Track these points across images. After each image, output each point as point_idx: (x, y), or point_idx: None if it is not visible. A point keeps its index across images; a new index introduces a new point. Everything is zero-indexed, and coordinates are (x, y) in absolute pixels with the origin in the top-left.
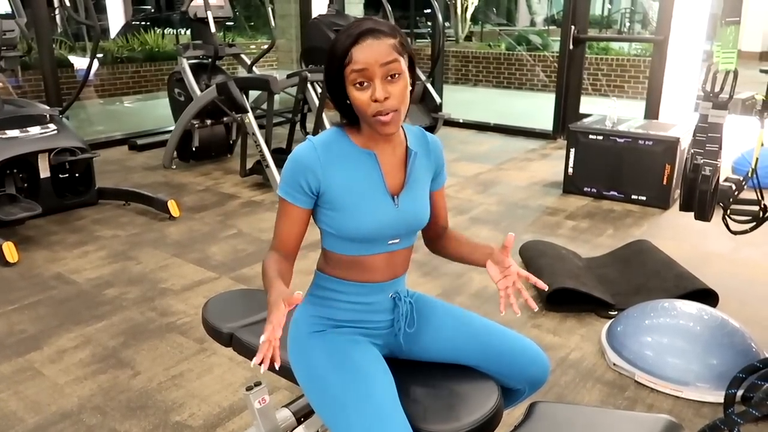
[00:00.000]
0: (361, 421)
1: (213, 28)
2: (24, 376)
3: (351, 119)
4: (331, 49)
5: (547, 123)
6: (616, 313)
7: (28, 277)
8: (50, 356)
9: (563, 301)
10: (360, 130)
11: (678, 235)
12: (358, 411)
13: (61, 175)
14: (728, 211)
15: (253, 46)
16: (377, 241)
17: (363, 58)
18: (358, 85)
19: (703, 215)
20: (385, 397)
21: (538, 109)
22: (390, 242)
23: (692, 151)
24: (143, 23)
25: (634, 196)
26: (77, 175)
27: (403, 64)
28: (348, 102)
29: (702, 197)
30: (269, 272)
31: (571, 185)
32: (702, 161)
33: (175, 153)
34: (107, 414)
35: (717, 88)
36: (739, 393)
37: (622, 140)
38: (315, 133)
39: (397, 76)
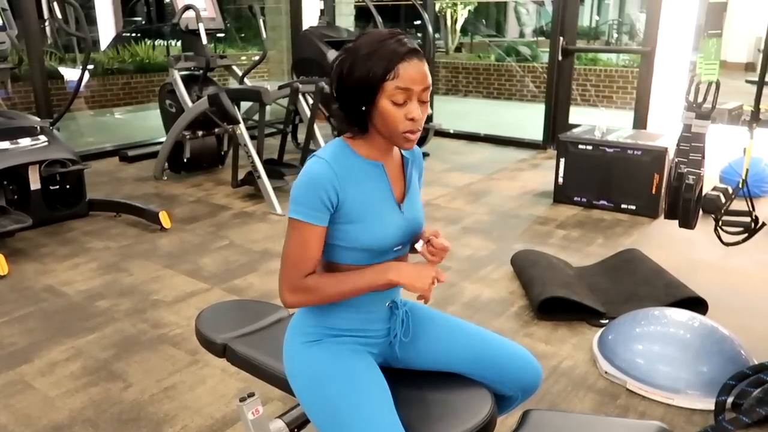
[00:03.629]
0: (357, 429)
1: (204, 40)
2: (14, 390)
3: (360, 125)
4: (372, 55)
5: (537, 133)
6: (607, 321)
7: (19, 289)
8: (41, 369)
9: (554, 310)
10: (365, 140)
11: (667, 243)
12: (355, 420)
13: (51, 187)
14: (720, 223)
15: (244, 58)
16: (385, 249)
17: (410, 78)
18: (395, 101)
19: (687, 223)
20: (381, 407)
21: (527, 119)
22: (395, 249)
23: (676, 160)
24: (134, 35)
25: (623, 206)
26: (68, 186)
27: None
28: (363, 109)
29: (685, 205)
30: (332, 277)
31: (561, 195)
32: (686, 170)
33: (167, 164)
34: (99, 427)
35: (700, 99)
36: (730, 400)
37: (611, 150)
38: (306, 143)
39: (426, 101)
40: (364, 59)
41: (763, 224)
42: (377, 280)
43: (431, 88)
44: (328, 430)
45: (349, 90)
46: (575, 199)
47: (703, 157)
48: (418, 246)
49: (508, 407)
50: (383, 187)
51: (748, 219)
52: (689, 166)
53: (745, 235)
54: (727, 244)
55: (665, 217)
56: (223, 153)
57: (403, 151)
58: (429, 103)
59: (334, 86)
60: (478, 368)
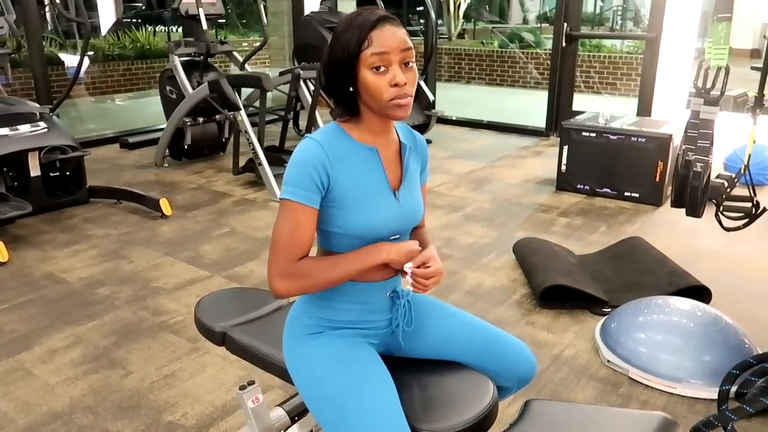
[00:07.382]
0: (361, 423)
1: (205, 26)
2: (14, 377)
3: (351, 109)
4: (346, 31)
5: (540, 120)
6: (609, 310)
7: (19, 276)
8: (41, 356)
9: (557, 298)
10: (358, 123)
11: (671, 231)
12: (358, 413)
13: (51, 174)
14: (721, 208)
15: (245, 44)
16: (380, 237)
17: (384, 42)
18: (374, 70)
19: (695, 211)
20: (385, 399)
21: (531, 106)
22: (392, 238)
23: (684, 147)
24: (134, 20)
25: (626, 193)
26: (68, 173)
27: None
28: (351, 90)
29: (693, 193)
30: (324, 261)
31: (564, 182)
32: (693, 157)
33: (167, 151)
34: (99, 414)
35: (708, 85)
36: (733, 389)
37: (614, 137)
38: (307, 130)
39: (411, 63)
40: (340, 36)
41: (764, 209)
42: (372, 260)
43: (413, 50)
44: (330, 422)
45: (333, 71)
46: (578, 186)
47: (712, 144)
48: (407, 268)
49: (502, 397)
50: (377, 172)
51: (749, 204)
52: (697, 154)
53: (746, 220)
54: (728, 230)
55: (672, 206)
56: (224, 140)
57: (401, 138)
58: (415, 68)
59: (322, 72)
60: (476, 358)
